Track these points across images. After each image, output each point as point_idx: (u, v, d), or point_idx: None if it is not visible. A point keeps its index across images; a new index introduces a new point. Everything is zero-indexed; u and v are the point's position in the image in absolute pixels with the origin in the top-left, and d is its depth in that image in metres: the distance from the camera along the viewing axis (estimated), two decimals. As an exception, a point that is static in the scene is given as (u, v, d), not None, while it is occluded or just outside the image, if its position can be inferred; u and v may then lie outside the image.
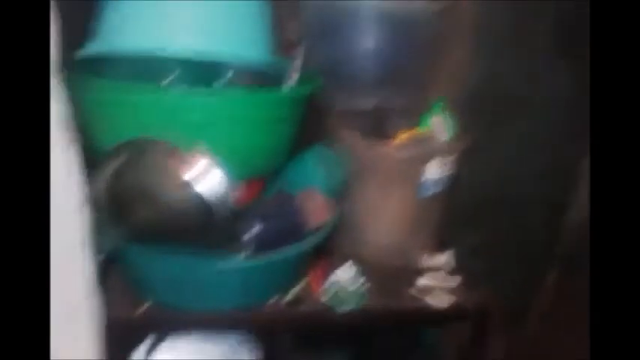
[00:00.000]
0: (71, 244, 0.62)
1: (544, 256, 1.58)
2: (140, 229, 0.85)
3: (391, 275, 1.09)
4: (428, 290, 1.06)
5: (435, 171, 1.07)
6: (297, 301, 1.00)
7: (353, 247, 1.12)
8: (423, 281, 1.08)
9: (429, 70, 1.21)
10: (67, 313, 0.62)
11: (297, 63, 0.98)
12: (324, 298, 1.01)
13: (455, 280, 1.09)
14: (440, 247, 1.17)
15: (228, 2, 0.89)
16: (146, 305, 0.94)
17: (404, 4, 1.11)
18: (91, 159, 0.69)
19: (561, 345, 1.47)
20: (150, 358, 1.01)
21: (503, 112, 1.38)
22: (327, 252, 1.06)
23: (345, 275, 1.03)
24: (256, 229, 0.93)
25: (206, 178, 0.81)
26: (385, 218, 1.12)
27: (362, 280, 1.03)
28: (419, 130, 1.12)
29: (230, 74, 1.05)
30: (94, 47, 0.88)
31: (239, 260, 0.91)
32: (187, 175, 0.81)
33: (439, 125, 1.12)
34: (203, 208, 0.82)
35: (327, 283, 1.02)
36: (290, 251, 0.93)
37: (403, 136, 1.09)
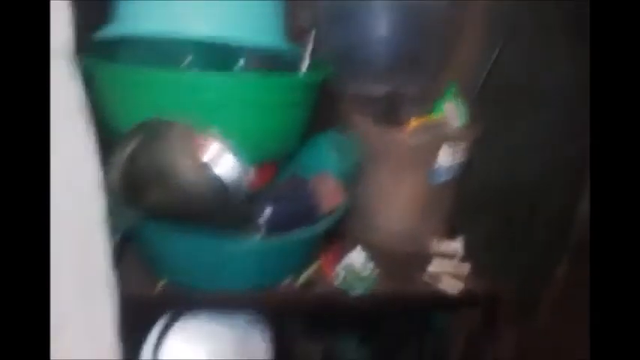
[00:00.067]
0: (88, 224, 0.63)
1: (555, 247, 1.58)
2: (155, 210, 0.86)
3: (402, 261, 1.10)
4: (438, 276, 1.06)
5: (447, 158, 1.07)
6: (309, 283, 1.01)
7: (364, 233, 1.12)
8: (433, 267, 1.08)
9: (442, 57, 1.21)
10: (83, 290, 0.63)
11: (308, 49, 0.99)
12: (336, 282, 1.02)
13: (465, 267, 1.10)
14: (451, 233, 1.18)
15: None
16: (162, 284, 0.96)
17: (417, -9, 1.11)
18: (107, 141, 0.70)
19: (572, 337, 1.46)
20: (162, 339, 1.04)
21: (517, 101, 1.37)
22: (339, 236, 1.07)
23: (358, 259, 1.04)
24: (270, 211, 0.93)
25: (220, 161, 0.82)
26: (397, 204, 1.13)
27: (372, 264, 1.04)
28: (431, 117, 1.12)
29: (243, 60, 1.06)
30: (110, 30, 0.89)
31: (253, 242, 0.92)
32: (203, 158, 0.82)
33: (452, 112, 1.11)
34: (218, 190, 0.83)
35: (339, 267, 1.03)
36: (303, 234, 0.94)
37: (416, 123, 1.09)
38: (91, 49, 0.82)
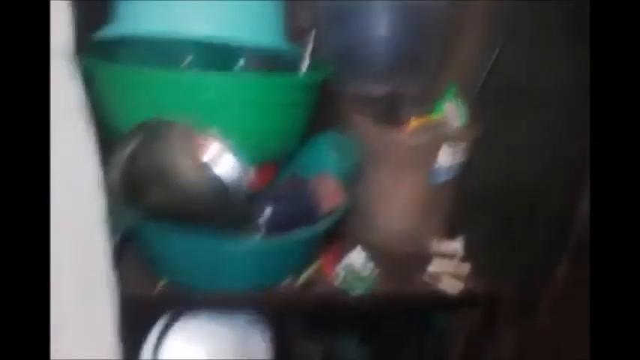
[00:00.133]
0: (88, 224, 0.63)
1: (555, 247, 1.58)
2: (155, 210, 0.86)
3: (402, 261, 1.10)
4: (438, 276, 1.06)
5: (447, 158, 1.08)
6: (309, 283, 1.01)
7: (364, 233, 1.12)
8: (433, 267, 1.08)
9: (442, 57, 1.21)
10: (83, 290, 0.63)
11: (308, 49, 0.99)
12: (336, 282, 1.02)
13: (465, 267, 1.10)
14: (451, 233, 1.18)
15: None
16: (162, 284, 0.96)
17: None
18: (107, 141, 0.70)
19: (572, 337, 1.46)
20: (162, 339, 1.04)
21: (517, 101, 1.37)
22: (339, 236, 1.07)
23: (358, 259, 1.04)
24: (270, 211, 0.94)
25: (220, 161, 0.82)
26: (397, 204, 1.13)
27: (372, 264, 1.04)
28: (431, 117, 1.12)
29: (243, 60, 1.06)
30: (110, 30, 0.89)
31: (253, 242, 0.92)
32: (203, 158, 0.82)
33: (452, 112, 1.11)
34: (218, 190, 0.83)
35: (339, 267, 1.03)
36: (303, 234, 0.94)
37: (416, 123, 1.09)
38: (91, 49, 0.82)
